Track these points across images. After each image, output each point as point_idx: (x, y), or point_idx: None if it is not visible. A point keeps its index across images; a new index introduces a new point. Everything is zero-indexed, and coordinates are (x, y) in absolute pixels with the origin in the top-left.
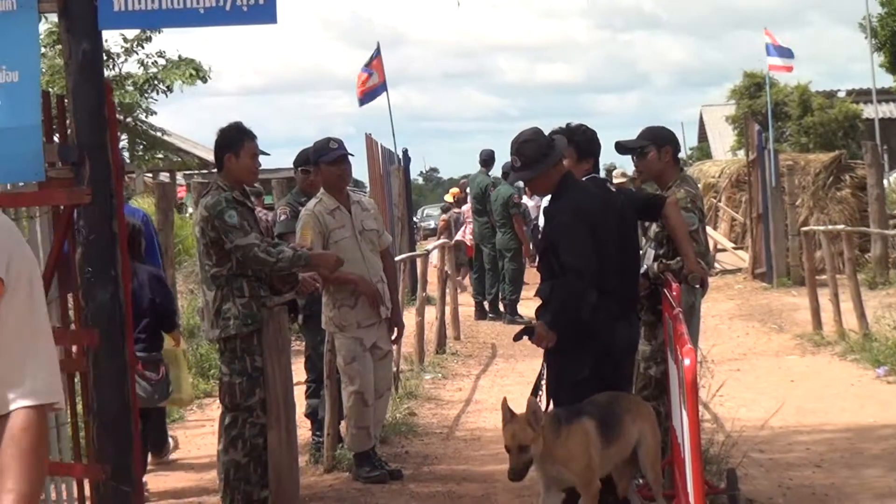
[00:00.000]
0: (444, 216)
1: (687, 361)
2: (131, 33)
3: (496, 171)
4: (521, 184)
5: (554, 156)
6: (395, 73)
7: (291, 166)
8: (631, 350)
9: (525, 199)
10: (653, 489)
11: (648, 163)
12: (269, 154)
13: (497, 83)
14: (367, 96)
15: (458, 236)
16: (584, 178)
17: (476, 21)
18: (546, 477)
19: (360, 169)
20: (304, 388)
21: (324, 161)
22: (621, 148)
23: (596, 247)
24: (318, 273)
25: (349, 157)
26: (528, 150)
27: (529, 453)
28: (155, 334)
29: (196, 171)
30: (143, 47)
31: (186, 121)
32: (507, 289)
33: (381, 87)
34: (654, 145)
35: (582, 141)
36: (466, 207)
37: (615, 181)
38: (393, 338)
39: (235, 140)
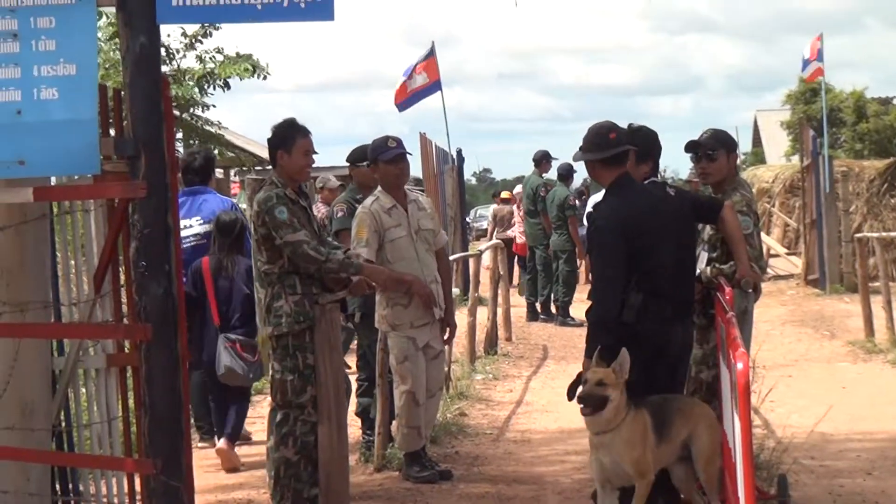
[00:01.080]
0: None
1: (740, 366)
2: (191, 29)
3: (551, 172)
4: (576, 185)
5: (609, 149)
6: (448, 73)
7: (345, 163)
8: (686, 353)
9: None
10: (706, 491)
11: (718, 166)
12: (317, 153)
13: (551, 84)
14: (410, 99)
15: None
16: (644, 181)
17: (530, 22)
18: (601, 471)
19: (414, 168)
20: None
21: (382, 159)
22: (693, 147)
23: (642, 251)
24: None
25: (408, 155)
26: (590, 135)
27: (606, 391)
28: (251, 321)
29: (250, 168)
30: (202, 43)
31: (241, 117)
32: (560, 290)
33: (436, 86)
34: (725, 150)
35: (641, 142)
36: (512, 207)
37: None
38: (445, 338)
39: (287, 137)
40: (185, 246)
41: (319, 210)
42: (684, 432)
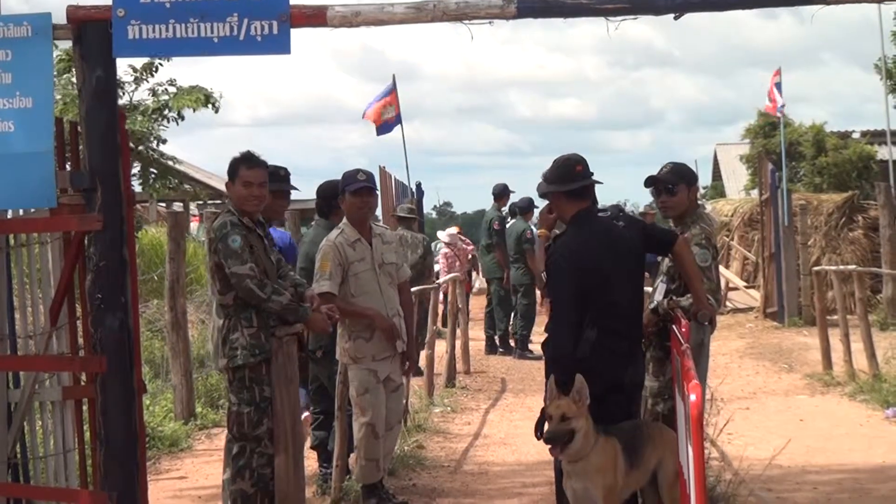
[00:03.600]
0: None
1: (693, 397)
2: (140, 62)
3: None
4: (534, 219)
5: (573, 182)
6: (407, 107)
7: (305, 198)
8: (637, 388)
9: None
10: None
11: (678, 200)
12: (297, 189)
13: (509, 118)
14: (383, 127)
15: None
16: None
17: (488, 56)
18: (573, 498)
19: None
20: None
21: (349, 190)
22: (652, 182)
23: (598, 287)
24: (336, 305)
25: (374, 191)
26: (555, 167)
27: (571, 425)
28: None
29: (209, 202)
30: (152, 76)
31: (200, 152)
32: (518, 324)
33: (397, 120)
34: (686, 184)
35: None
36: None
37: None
38: (404, 371)
39: (233, 168)
40: None
41: None
42: (654, 459)
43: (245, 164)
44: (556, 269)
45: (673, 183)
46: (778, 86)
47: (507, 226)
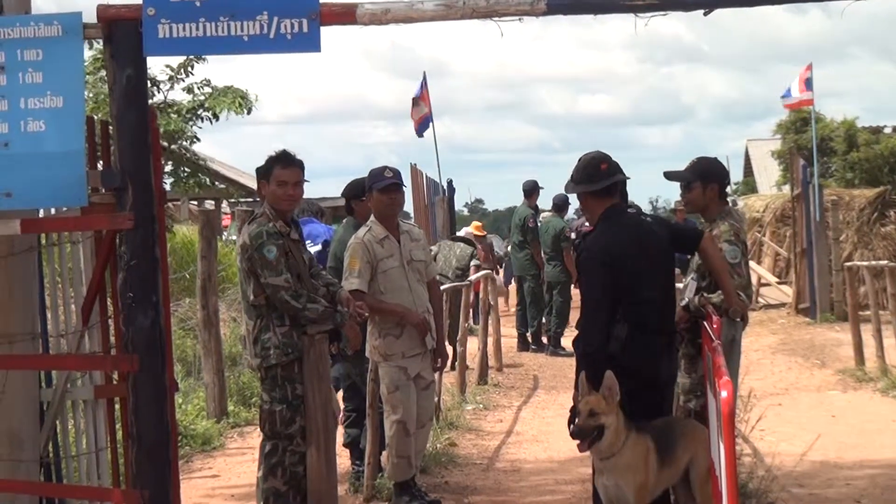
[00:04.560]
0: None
1: (724, 394)
2: (176, 61)
3: (543, 202)
4: (570, 215)
5: (599, 181)
6: (438, 103)
7: (336, 195)
8: (671, 383)
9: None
10: None
11: (693, 197)
12: (308, 181)
13: (540, 114)
14: (422, 126)
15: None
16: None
17: (518, 52)
18: (605, 495)
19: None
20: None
21: (376, 188)
22: (670, 177)
23: (628, 283)
24: (365, 301)
25: (402, 187)
26: (581, 166)
27: (600, 421)
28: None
29: (241, 199)
30: (188, 74)
31: (230, 149)
32: (553, 321)
33: (429, 118)
34: (701, 181)
35: None
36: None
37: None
38: (436, 367)
39: (268, 167)
40: None
41: None
42: (686, 456)
43: (280, 163)
44: (587, 265)
45: (687, 179)
46: (808, 81)
47: (542, 223)
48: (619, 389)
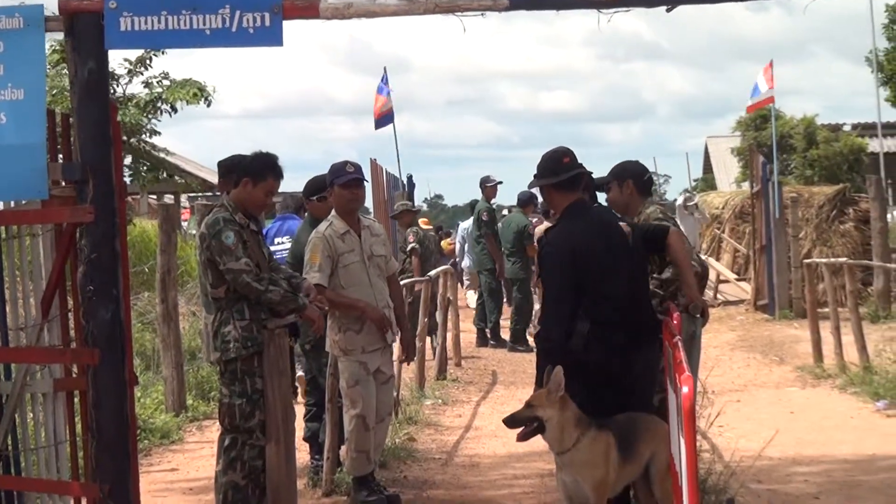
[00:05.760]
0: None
1: (685, 389)
2: (134, 55)
3: (503, 198)
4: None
5: (561, 174)
6: (397, 99)
7: (295, 191)
8: (638, 378)
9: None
10: None
11: (612, 198)
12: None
13: (499, 110)
14: (382, 120)
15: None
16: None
17: (477, 48)
18: (564, 489)
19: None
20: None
21: (338, 183)
22: (596, 185)
23: (591, 279)
24: (325, 296)
25: (363, 182)
26: (544, 161)
27: (535, 413)
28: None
29: (200, 194)
30: (146, 68)
31: (189, 143)
32: (513, 318)
33: (391, 114)
34: (616, 180)
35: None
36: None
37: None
38: (404, 358)
39: (261, 171)
40: (277, 257)
41: None
42: (648, 452)
43: (275, 173)
44: (549, 260)
45: (604, 181)
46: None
47: (505, 218)
48: (564, 385)
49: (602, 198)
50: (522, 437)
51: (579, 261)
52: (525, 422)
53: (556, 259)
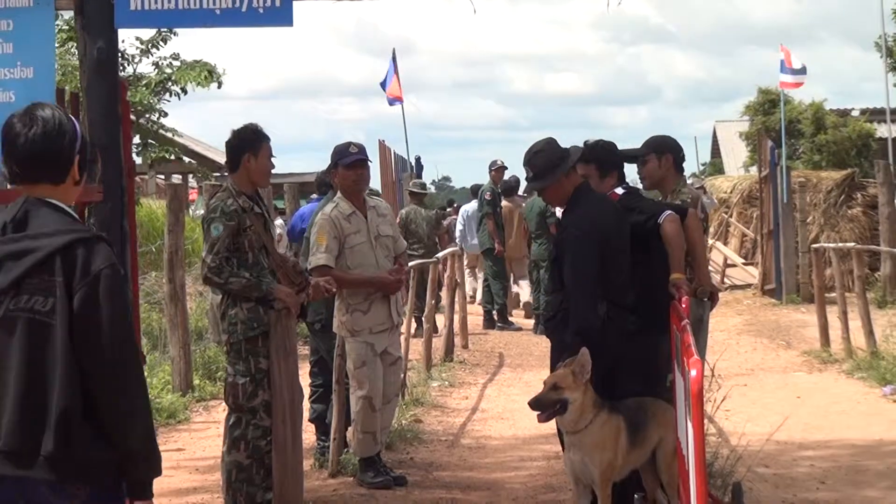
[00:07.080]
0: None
1: (693, 373)
2: (147, 35)
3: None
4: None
5: (564, 166)
6: (405, 81)
7: (303, 171)
8: (649, 362)
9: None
10: (668, 492)
11: (649, 170)
12: (275, 157)
13: (506, 92)
14: (394, 99)
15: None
16: (618, 192)
17: (484, 30)
18: (571, 469)
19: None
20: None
21: (342, 164)
22: (623, 157)
23: (608, 260)
24: (333, 276)
25: (368, 163)
26: (539, 161)
27: (563, 395)
28: None
29: (208, 174)
30: (158, 48)
31: (196, 123)
32: (540, 299)
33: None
34: (655, 153)
35: (601, 156)
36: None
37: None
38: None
39: (254, 140)
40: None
41: None
42: (656, 437)
43: (265, 137)
44: (576, 241)
45: (642, 153)
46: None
47: (528, 201)
48: (591, 369)
49: (631, 170)
50: (546, 419)
51: (604, 239)
52: (552, 405)
53: (587, 246)
